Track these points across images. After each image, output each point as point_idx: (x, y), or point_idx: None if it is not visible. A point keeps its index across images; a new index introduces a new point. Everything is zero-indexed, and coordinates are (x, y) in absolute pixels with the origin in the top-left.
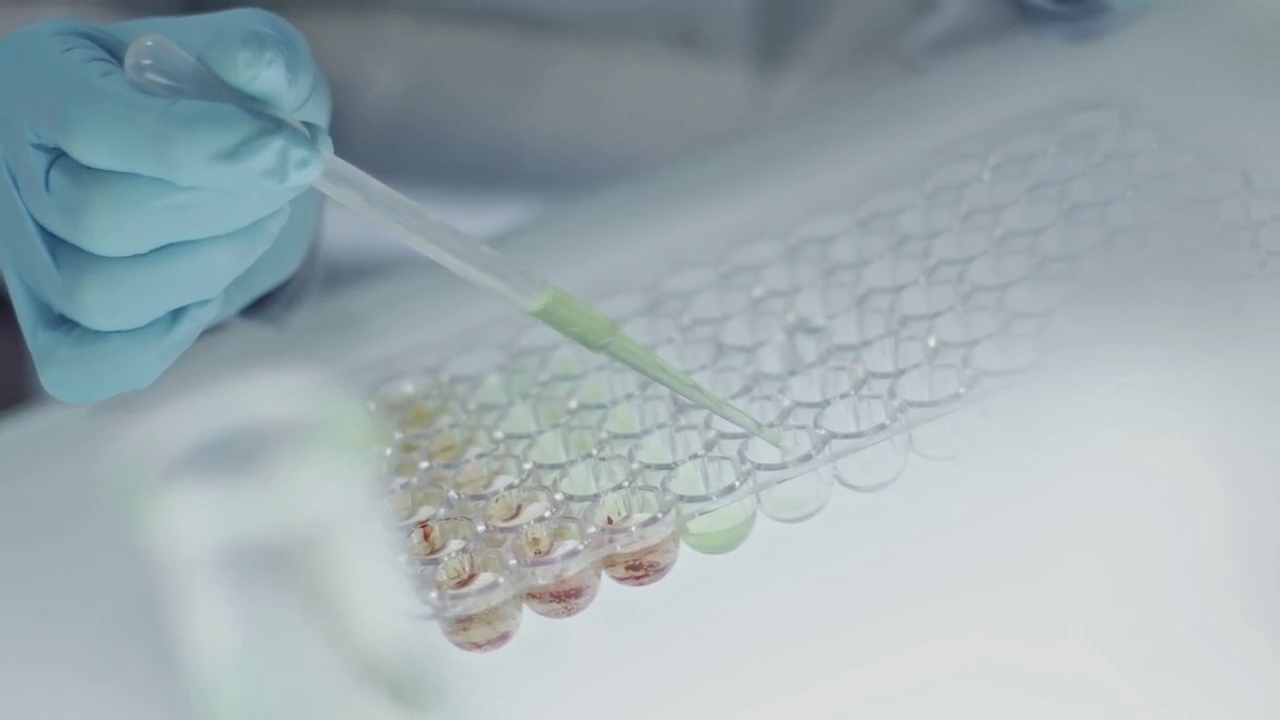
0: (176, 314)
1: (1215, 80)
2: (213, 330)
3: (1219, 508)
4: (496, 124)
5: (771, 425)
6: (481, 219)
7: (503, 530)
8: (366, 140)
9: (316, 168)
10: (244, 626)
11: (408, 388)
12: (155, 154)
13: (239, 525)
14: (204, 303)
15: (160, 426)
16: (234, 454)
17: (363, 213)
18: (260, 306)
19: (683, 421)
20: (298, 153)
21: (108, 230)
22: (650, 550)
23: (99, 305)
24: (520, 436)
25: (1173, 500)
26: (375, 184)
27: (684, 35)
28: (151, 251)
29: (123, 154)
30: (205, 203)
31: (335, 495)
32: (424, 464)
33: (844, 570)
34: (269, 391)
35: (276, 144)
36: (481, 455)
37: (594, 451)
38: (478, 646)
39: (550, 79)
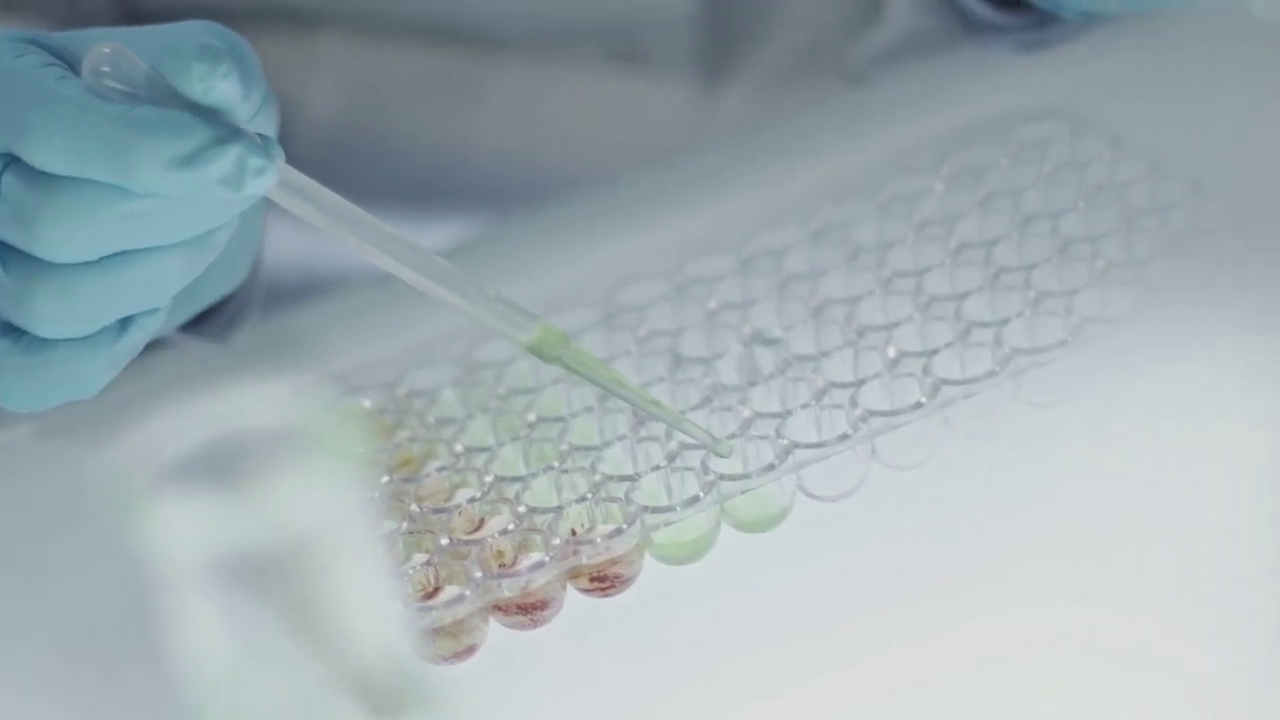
0: (125, 323)
1: (1162, 89)
2: (157, 347)
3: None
4: (439, 141)
5: (732, 437)
6: (426, 236)
7: (467, 543)
8: (307, 157)
9: (272, 177)
10: (232, 635)
11: (365, 402)
12: (112, 160)
13: (228, 534)
14: (152, 312)
15: (149, 436)
16: (223, 463)
17: (316, 223)
18: (203, 322)
19: (644, 433)
20: (254, 161)
21: (61, 237)
22: (615, 562)
23: (49, 313)
24: (480, 449)
25: (1153, 502)
26: (328, 194)
27: (626, 51)
28: (102, 259)
29: (79, 159)
30: (159, 211)
31: (323, 503)
32: (384, 478)
33: (809, 579)
34: (258, 401)
35: (233, 152)
36: (442, 469)
37: (555, 464)
38: (444, 659)
39: (493, 95)
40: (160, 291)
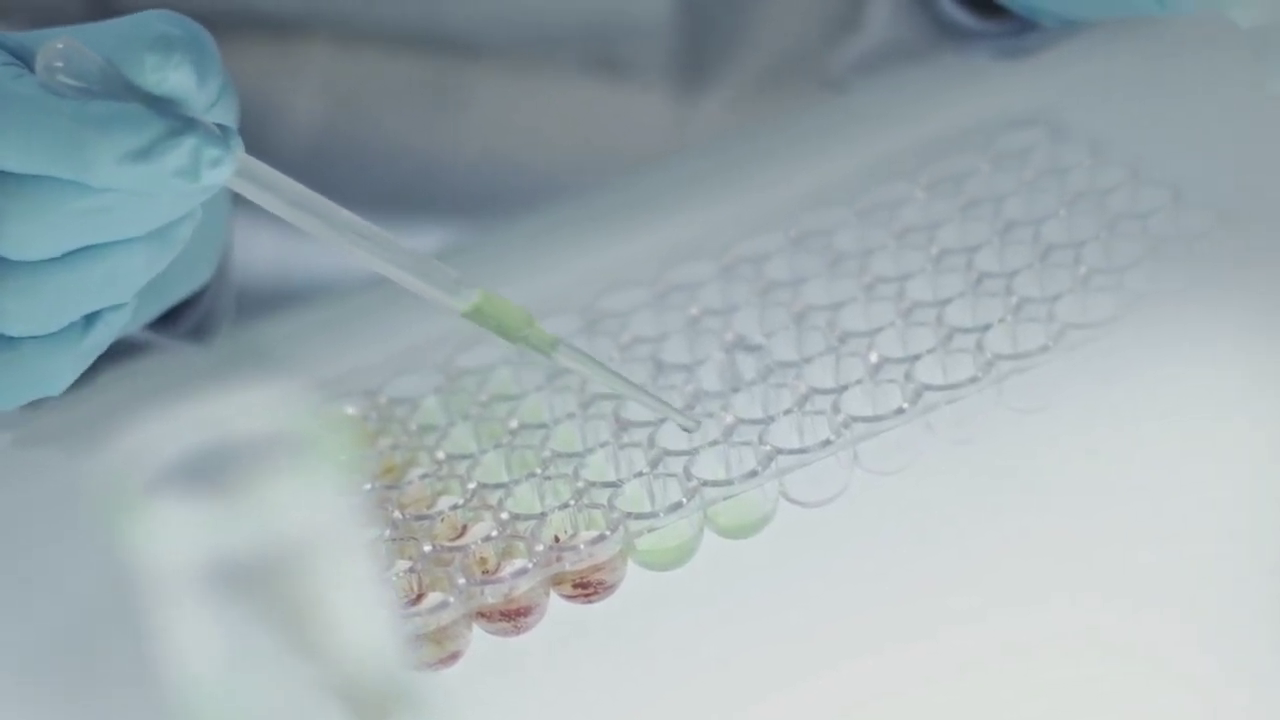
0: (90, 319)
1: (1142, 95)
2: (138, 351)
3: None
4: (419, 149)
5: (714, 444)
6: (407, 244)
7: (449, 550)
8: (288, 165)
9: (229, 167)
10: (220, 640)
11: (348, 410)
12: (69, 156)
13: (216, 540)
14: (117, 307)
15: (142, 440)
16: (211, 469)
17: (278, 212)
18: (174, 320)
19: (626, 440)
20: (210, 152)
21: (22, 235)
22: (598, 568)
23: (13, 310)
24: (462, 457)
25: (1136, 507)
26: (290, 182)
27: (605, 59)
28: (65, 255)
29: (36, 157)
30: (119, 205)
31: (311, 509)
32: (366, 485)
33: (792, 584)
34: (245, 407)
35: (189, 143)
36: (424, 476)
37: (538, 471)
38: (428, 666)
39: (472, 103)
40: (125, 286)
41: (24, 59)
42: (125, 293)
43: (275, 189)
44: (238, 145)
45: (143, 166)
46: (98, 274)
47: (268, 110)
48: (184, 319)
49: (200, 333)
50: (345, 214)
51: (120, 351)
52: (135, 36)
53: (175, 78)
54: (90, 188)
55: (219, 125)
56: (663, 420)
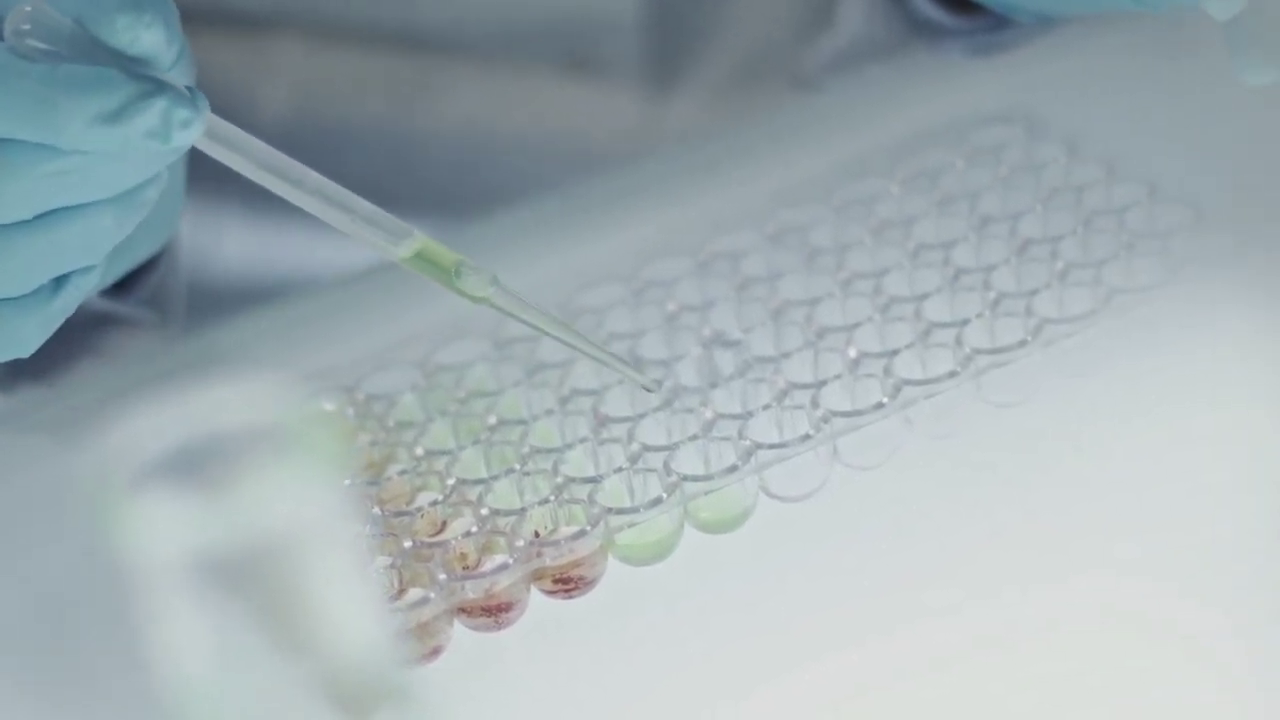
0: (59, 281)
1: (1117, 91)
2: (93, 324)
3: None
4: (390, 146)
5: (693, 438)
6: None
7: (430, 546)
8: None
9: (199, 128)
10: (207, 634)
11: (326, 405)
12: (38, 119)
13: (202, 534)
14: (87, 270)
15: (125, 435)
16: (197, 463)
17: (246, 173)
18: (129, 289)
19: (605, 435)
20: (180, 113)
21: None
22: (578, 563)
23: None
24: (441, 453)
25: (1114, 500)
26: (257, 144)
27: (576, 57)
28: (36, 217)
29: (5, 120)
30: (88, 167)
31: (298, 502)
32: (345, 481)
33: (772, 579)
34: (238, 398)
35: (159, 105)
36: (403, 472)
37: (517, 466)
38: (408, 661)
39: (443, 101)
40: (94, 248)
41: None
42: (95, 255)
43: (243, 150)
44: (205, 106)
45: (114, 128)
46: (68, 236)
47: (237, 107)
48: (140, 286)
49: (155, 301)
50: (313, 175)
51: (81, 324)
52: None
53: (147, 37)
54: (60, 150)
55: (187, 87)
56: (642, 415)
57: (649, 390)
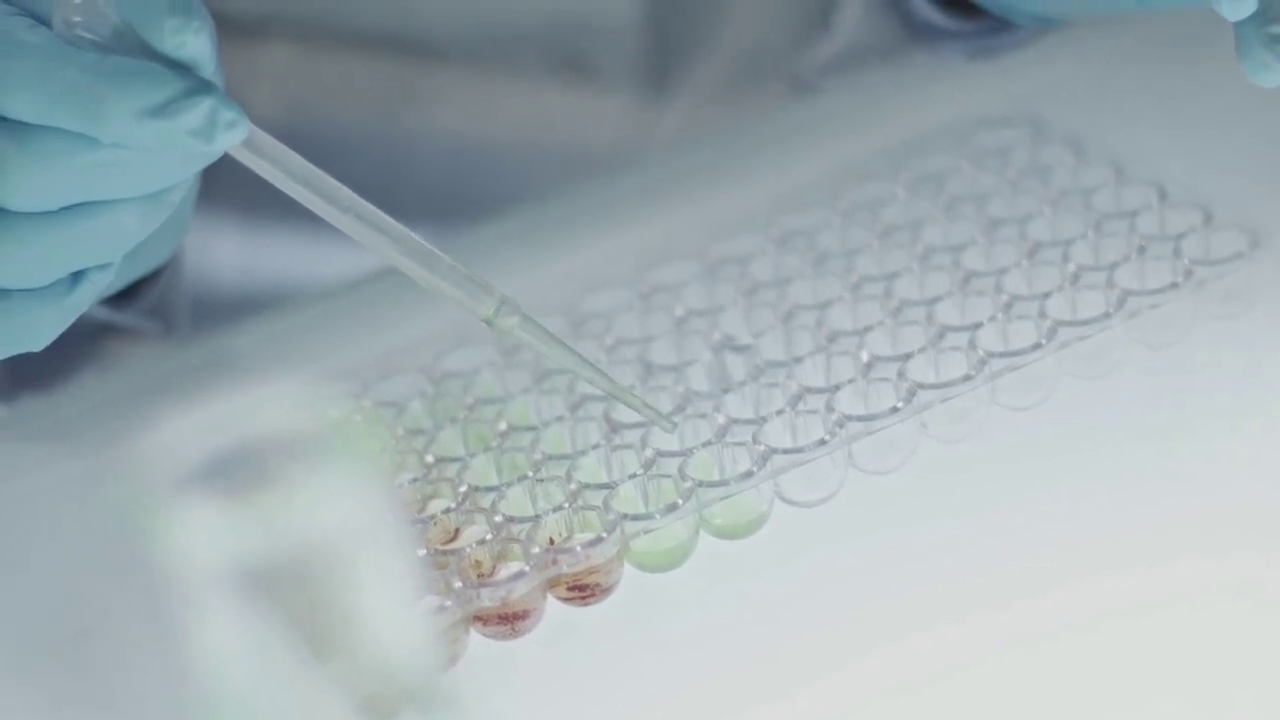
0: (76, 276)
1: (1120, 94)
2: (96, 334)
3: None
4: (380, 153)
5: (707, 444)
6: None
7: (444, 554)
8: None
9: (243, 130)
10: (245, 638)
11: (334, 413)
12: (83, 108)
13: (247, 539)
14: (104, 267)
15: (156, 442)
16: (242, 467)
17: (280, 185)
18: (133, 298)
19: (618, 441)
20: (226, 114)
21: (25, 185)
22: (594, 570)
23: (6, 260)
24: (452, 460)
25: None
26: (294, 157)
27: (570, 60)
28: (61, 210)
29: (50, 107)
30: (123, 162)
31: (344, 508)
32: (395, 482)
33: (788, 584)
34: (277, 404)
35: (206, 104)
36: (414, 480)
37: (530, 474)
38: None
39: (436, 106)
40: (115, 246)
41: (34, 15)
42: (114, 252)
43: (279, 162)
44: (244, 113)
45: (159, 123)
46: (91, 231)
47: None
48: (143, 296)
49: (159, 312)
50: (346, 192)
51: (84, 333)
52: (153, 1)
53: (194, 43)
54: (98, 143)
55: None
56: (654, 422)
57: (667, 431)
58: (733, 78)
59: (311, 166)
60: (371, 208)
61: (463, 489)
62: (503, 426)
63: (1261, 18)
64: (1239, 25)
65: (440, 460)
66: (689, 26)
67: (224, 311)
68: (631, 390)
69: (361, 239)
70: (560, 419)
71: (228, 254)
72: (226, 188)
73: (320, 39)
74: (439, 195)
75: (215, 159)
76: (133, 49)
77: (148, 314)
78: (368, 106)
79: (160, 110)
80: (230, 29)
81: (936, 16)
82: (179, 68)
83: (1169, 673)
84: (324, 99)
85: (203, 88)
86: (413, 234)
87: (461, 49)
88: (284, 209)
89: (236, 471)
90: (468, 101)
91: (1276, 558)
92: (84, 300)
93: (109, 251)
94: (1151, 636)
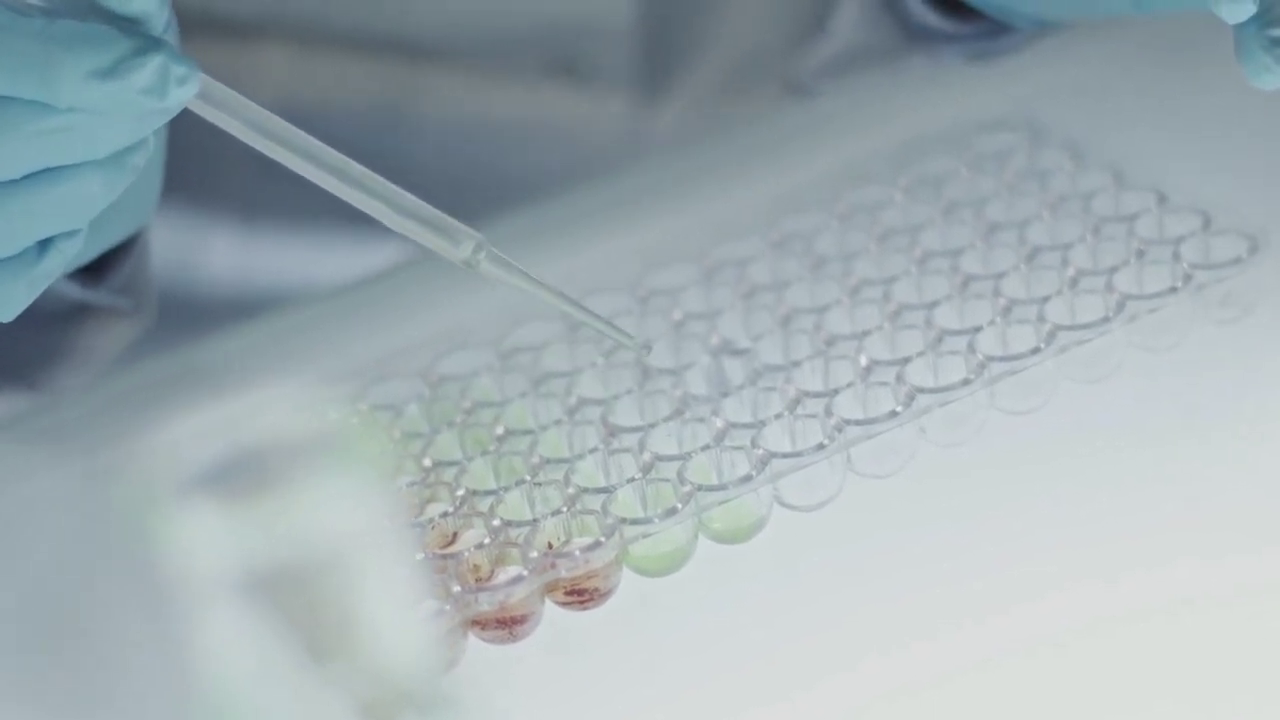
0: (44, 245)
1: (1118, 98)
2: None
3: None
4: (377, 153)
5: (705, 448)
6: (366, 250)
7: (442, 558)
8: (244, 167)
9: (194, 85)
10: (250, 642)
11: (332, 415)
12: (35, 75)
13: (246, 542)
14: (71, 234)
15: (167, 442)
16: (241, 471)
17: (239, 135)
18: (103, 275)
19: (616, 445)
20: (177, 69)
21: None
22: (593, 575)
23: None
24: (449, 464)
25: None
26: (251, 105)
27: (565, 63)
28: (25, 177)
29: (1, 77)
30: (81, 126)
31: (343, 511)
32: (401, 483)
33: (786, 588)
34: (275, 407)
35: (156, 61)
36: (412, 483)
37: (527, 477)
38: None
39: (432, 108)
40: (81, 212)
41: None
42: (81, 218)
43: (236, 112)
44: (197, 66)
45: (110, 84)
46: (55, 197)
47: None
48: (113, 273)
49: (129, 290)
50: (306, 137)
51: (57, 315)
52: None
53: None
54: (53, 108)
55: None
56: (653, 425)
57: (642, 353)
58: (729, 80)
59: (272, 115)
60: (337, 154)
61: (460, 493)
62: (500, 430)
63: (1261, 20)
64: (1239, 28)
65: (438, 464)
66: (685, 29)
67: (221, 315)
68: (610, 323)
69: (328, 186)
70: (558, 423)
71: (224, 257)
72: (224, 191)
73: (317, 41)
74: (434, 196)
75: (173, 115)
76: (81, 8)
77: (118, 291)
78: (365, 108)
79: (111, 71)
80: (227, 30)
81: (934, 19)
82: (129, 25)
83: (1168, 675)
84: (321, 100)
85: (152, 45)
86: (384, 179)
87: (458, 51)
88: (281, 213)
89: (235, 475)
90: (464, 104)
91: (1275, 561)
92: (53, 269)
93: (75, 218)
94: (1151, 639)
